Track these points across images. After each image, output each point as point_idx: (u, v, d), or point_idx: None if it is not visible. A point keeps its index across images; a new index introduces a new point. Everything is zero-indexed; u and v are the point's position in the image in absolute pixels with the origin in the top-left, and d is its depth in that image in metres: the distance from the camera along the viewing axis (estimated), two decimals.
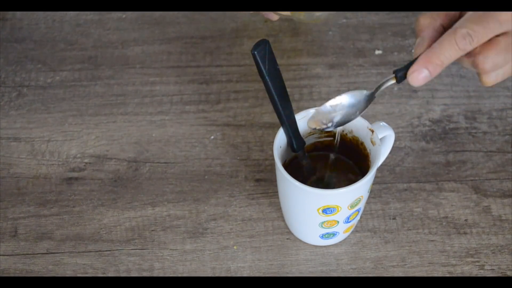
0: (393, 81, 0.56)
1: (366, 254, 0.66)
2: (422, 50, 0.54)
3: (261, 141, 0.74)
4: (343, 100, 0.58)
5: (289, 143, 0.62)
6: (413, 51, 0.56)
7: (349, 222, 0.63)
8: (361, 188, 0.59)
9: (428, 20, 0.56)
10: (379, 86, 0.57)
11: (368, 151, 0.63)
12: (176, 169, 0.72)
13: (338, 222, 0.61)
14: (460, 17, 0.55)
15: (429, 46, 0.54)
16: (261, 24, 0.85)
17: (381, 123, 0.63)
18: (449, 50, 0.53)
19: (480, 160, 0.72)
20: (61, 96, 0.78)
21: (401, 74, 0.55)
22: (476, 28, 0.52)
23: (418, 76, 0.53)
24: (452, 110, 0.76)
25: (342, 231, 0.64)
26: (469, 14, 0.54)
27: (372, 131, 0.61)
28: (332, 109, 0.59)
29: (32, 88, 0.79)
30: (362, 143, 0.63)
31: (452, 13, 0.56)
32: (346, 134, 0.64)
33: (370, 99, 0.57)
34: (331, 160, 0.66)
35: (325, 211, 0.60)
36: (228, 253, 0.66)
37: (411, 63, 0.54)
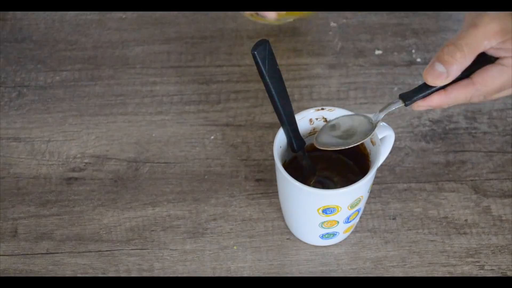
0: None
1: (366, 254, 0.66)
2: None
3: (261, 141, 0.74)
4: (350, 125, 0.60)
5: (289, 143, 0.62)
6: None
7: (349, 222, 0.63)
8: (361, 188, 0.59)
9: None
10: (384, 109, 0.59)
11: (368, 151, 0.63)
12: (176, 169, 0.72)
13: (338, 222, 0.61)
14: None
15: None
16: (261, 24, 0.85)
17: (381, 123, 0.62)
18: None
19: (480, 160, 0.72)
20: (61, 96, 0.78)
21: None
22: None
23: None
24: (452, 110, 0.76)
25: (342, 231, 0.64)
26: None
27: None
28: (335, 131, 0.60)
29: (32, 88, 0.79)
30: (362, 143, 0.63)
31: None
32: None
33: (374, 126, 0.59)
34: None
35: (325, 211, 0.60)
36: (228, 253, 0.66)
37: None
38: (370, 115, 0.59)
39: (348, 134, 0.60)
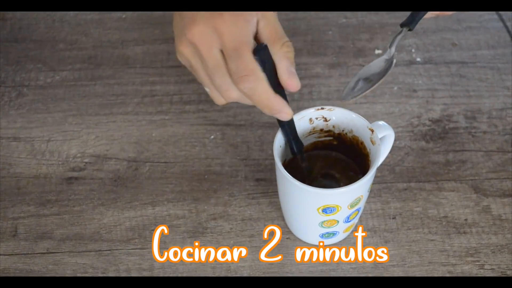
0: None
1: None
2: None
3: (261, 141, 0.74)
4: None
5: (289, 146, 0.62)
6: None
7: (349, 221, 0.63)
8: (361, 187, 0.59)
9: None
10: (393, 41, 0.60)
11: (368, 150, 0.63)
12: (176, 169, 0.72)
13: (338, 221, 0.61)
14: None
15: None
16: None
17: (381, 123, 0.63)
18: None
19: (480, 159, 0.72)
20: (61, 96, 0.78)
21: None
22: None
23: None
24: (452, 109, 0.76)
25: (342, 230, 0.64)
26: None
27: (372, 131, 0.61)
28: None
29: (32, 88, 0.79)
30: (362, 143, 0.63)
31: None
32: (346, 133, 0.64)
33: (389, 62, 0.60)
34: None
35: (325, 210, 0.60)
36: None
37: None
38: (383, 57, 0.61)
39: (370, 80, 0.61)
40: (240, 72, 0.52)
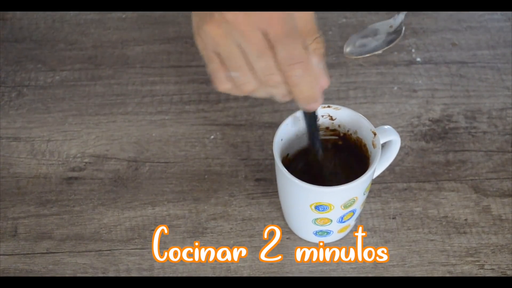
0: None
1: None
2: None
3: (261, 141, 0.74)
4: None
5: (310, 136, 0.60)
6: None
7: (343, 222, 0.62)
8: (354, 189, 0.58)
9: None
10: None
11: (370, 153, 0.62)
12: (176, 169, 0.72)
13: (331, 220, 0.61)
14: None
15: None
16: None
17: (386, 127, 0.62)
18: None
19: (480, 159, 0.72)
20: (61, 96, 0.78)
21: None
22: None
23: None
24: (452, 109, 0.76)
25: (336, 230, 0.63)
26: None
27: (375, 134, 0.61)
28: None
29: (32, 88, 0.79)
30: (365, 145, 0.63)
31: None
32: (351, 134, 0.64)
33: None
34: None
35: (318, 207, 0.59)
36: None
37: None
38: (389, 21, 0.59)
39: (377, 40, 0.60)
40: (293, 59, 0.50)
